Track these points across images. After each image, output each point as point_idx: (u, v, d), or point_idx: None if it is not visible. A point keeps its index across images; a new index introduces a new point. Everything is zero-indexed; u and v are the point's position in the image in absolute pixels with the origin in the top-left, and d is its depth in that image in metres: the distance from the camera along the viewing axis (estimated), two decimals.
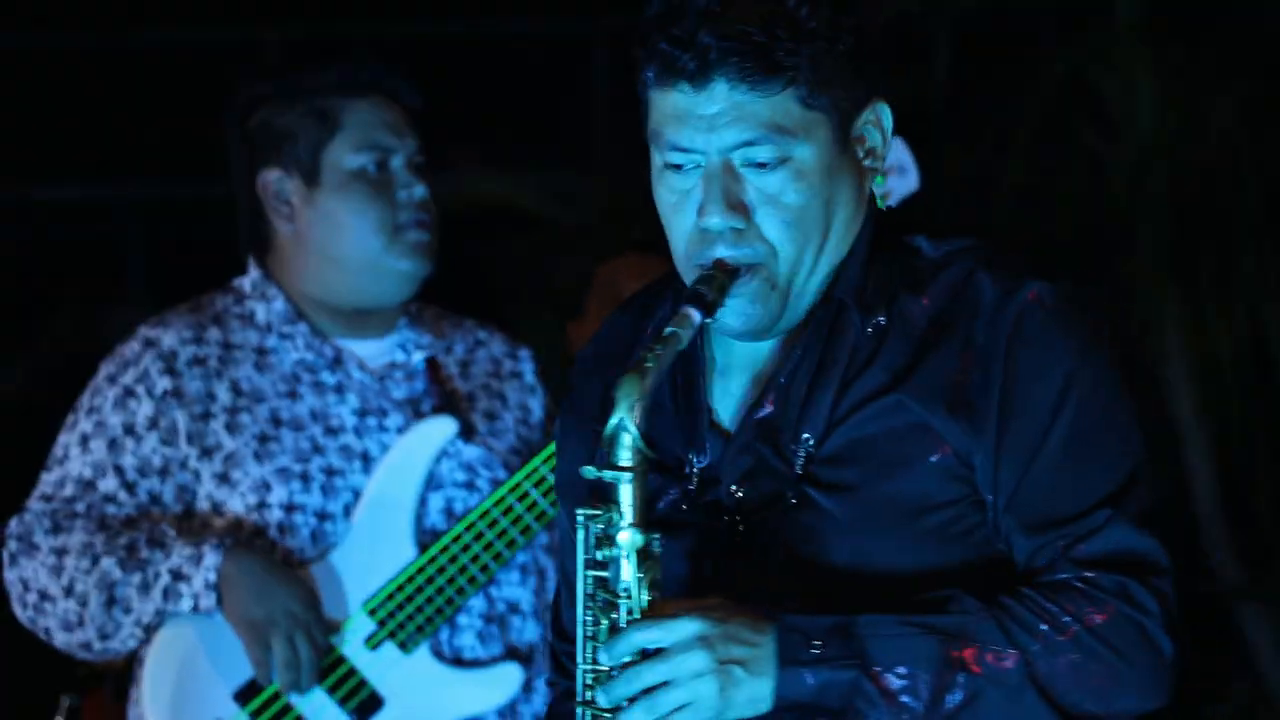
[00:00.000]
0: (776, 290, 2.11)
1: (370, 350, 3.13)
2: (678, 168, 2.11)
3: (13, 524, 3.02)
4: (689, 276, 2.13)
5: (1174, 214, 6.33)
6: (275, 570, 2.95)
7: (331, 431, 3.05)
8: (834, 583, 2.07)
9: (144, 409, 3.02)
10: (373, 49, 8.47)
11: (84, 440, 3.03)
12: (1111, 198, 6.36)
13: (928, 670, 2.00)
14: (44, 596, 2.99)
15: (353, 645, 3.00)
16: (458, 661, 3.05)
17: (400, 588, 3.00)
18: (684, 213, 2.12)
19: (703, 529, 2.14)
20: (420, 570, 3.00)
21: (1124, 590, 2.02)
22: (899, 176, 3.11)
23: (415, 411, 3.09)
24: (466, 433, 3.10)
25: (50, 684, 3.11)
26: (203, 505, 3.01)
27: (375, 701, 2.98)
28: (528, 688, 3.07)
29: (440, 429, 3.07)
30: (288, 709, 2.94)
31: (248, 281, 3.14)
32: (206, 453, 3.01)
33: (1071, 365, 2.07)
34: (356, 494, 3.02)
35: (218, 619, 2.95)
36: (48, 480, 3.06)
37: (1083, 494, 2.05)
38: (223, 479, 3.00)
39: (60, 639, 3.01)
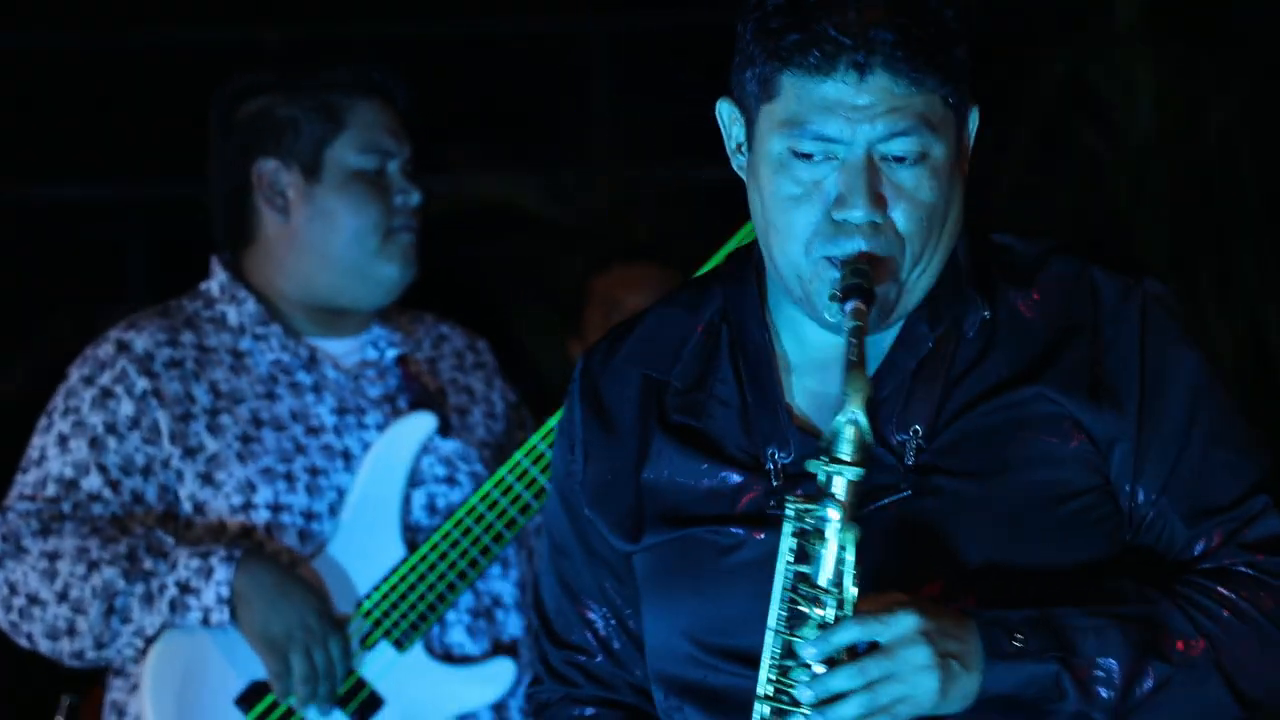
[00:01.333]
0: (900, 284, 2.13)
1: (342, 349, 3.11)
2: (808, 157, 2.11)
3: None
4: (809, 270, 2.12)
5: (1174, 214, 6.33)
6: (288, 582, 2.93)
7: (312, 431, 3.04)
8: (964, 573, 2.08)
9: (125, 408, 3.00)
10: (372, 49, 8.46)
11: (62, 440, 3.00)
12: (1111, 198, 6.36)
13: (1124, 659, 2.03)
14: (33, 601, 2.94)
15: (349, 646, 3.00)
16: (450, 658, 3.05)
17: (394, 587, 2.99)
18: (810, 204, 2.12)
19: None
20: (412, 568, 3.00)
21: None
22: None
23: (392, 408, 3.08)
24: (444, 427, 3.09)
25: (50, 683, 3.10)
26: (186, 507, 2.99)
27: (375, 702, 2.98)
28: (517, 682, 3.07)
29: (420, 425, 3.07)
30: (290, 713, 2.93)
31: (215, 285, 3.11)
32: (189, 453, 2.99)
33: (1199, 358, 2.13)
34: (340, 493, 3.01)
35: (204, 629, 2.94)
36: (25, 482, 3.02)
37: (1238, 481, 2.10)
38: (206, 480, 2.98)
39: (45, 645, 2.97)
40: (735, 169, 2.21)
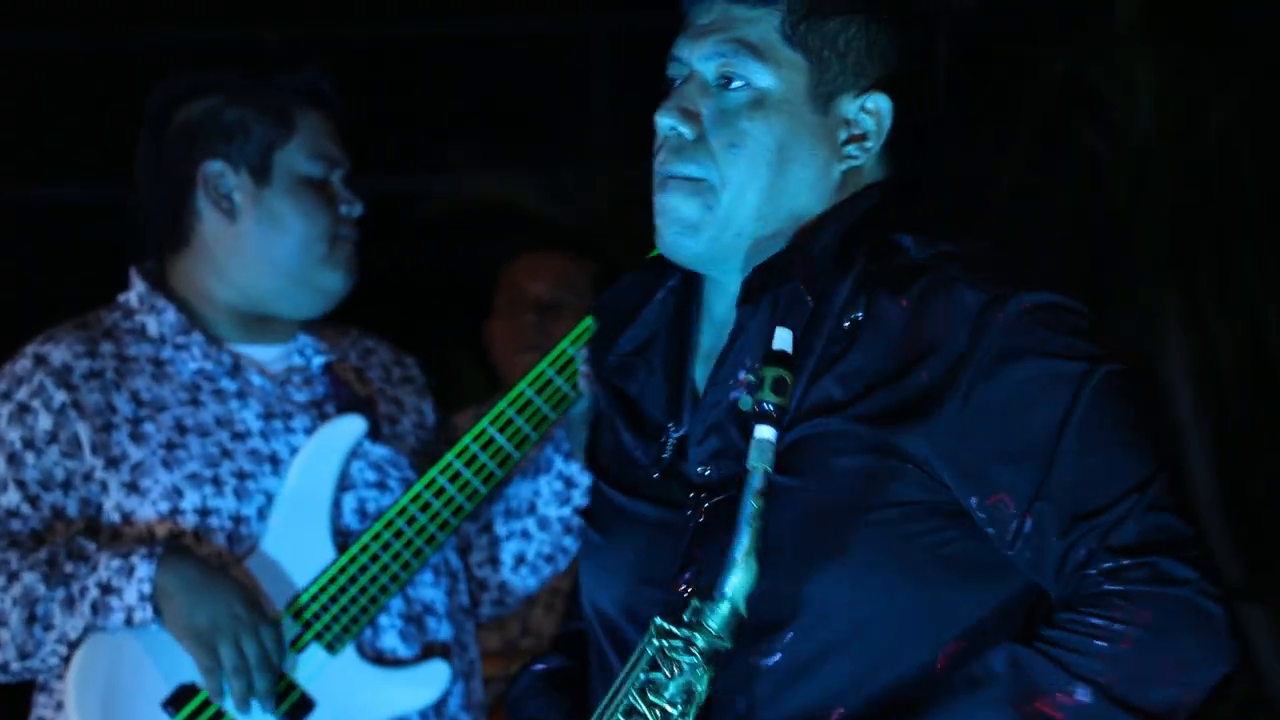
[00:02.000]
0: (714, 216, 2.11)
1: (268, 355, 3.07)
2: (671, 84, 2.15)
3: None
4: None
5: (1174, 214, 6.33)
6: (211, 574, 2.88)
7: (238, 436, 2.99)
8: (791, 578, 2.04)
9: (42, 423, 2.95)
10: (373, 49, 8.47)
11: None
12: (1111, 198, 6.36)
13: None
14: None
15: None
16: (384, 661, 3.01)
17: (323, 589, 2.95)
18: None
19: (666, 503, 2.13)
20: (342, 570, 2.95)
21: (1157, 573, 1.98)
22: None
23: (320, 413, 3.05)
24: (374, 432, 3.06)
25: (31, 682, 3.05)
26: (112, 516, 2.93)
27: (306, 704, 2.93)
28: (451, 686, 3.04)
29: (350, 428, 3.03)
30: (220, 715, 2.88)
31: (134, 296, 3.07)
32: (112, 463, 2.94)
33: (1076, 365, 2.02)
34: (269, 496, 2.97)
35: (133, 630, 2.89)
36: None
37: (1114, 484, 2.00)
38: (131, 488, 2.93)
39: None
40: None
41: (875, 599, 2.04)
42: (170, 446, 2.96)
